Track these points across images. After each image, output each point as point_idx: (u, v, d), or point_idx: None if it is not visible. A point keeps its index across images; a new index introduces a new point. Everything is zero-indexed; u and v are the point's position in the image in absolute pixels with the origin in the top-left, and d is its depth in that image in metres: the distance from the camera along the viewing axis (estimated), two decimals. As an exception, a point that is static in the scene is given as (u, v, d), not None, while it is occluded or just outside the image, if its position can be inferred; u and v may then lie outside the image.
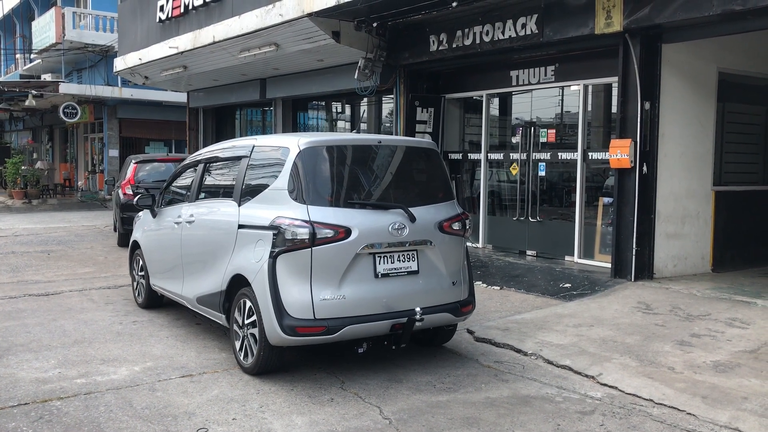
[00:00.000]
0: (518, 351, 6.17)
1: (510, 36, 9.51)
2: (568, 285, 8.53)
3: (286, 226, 5.12)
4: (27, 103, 23.78)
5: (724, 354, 5.85)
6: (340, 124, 15.17)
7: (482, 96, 11.22)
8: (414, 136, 11.64)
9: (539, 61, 10.07)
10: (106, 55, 24.02)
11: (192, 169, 7.10)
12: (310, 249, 5.09)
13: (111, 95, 24.32)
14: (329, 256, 5.14)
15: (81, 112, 24.93)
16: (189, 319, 7.34)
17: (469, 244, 11.42)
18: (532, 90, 10.55)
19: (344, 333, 5.15)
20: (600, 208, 9.61)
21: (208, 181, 6.74)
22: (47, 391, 5.15)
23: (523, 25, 9.34)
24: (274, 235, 5.19)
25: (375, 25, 10.88)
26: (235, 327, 5.68)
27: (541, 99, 10.53)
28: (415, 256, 5.51)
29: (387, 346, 5.61)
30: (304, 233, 5.08)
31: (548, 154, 10.21)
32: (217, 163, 6.63)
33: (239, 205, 5.81)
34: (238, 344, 5.66)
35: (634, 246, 8.35)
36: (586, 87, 9.63)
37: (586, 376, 5.51)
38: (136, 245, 8.09)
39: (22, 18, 32.57)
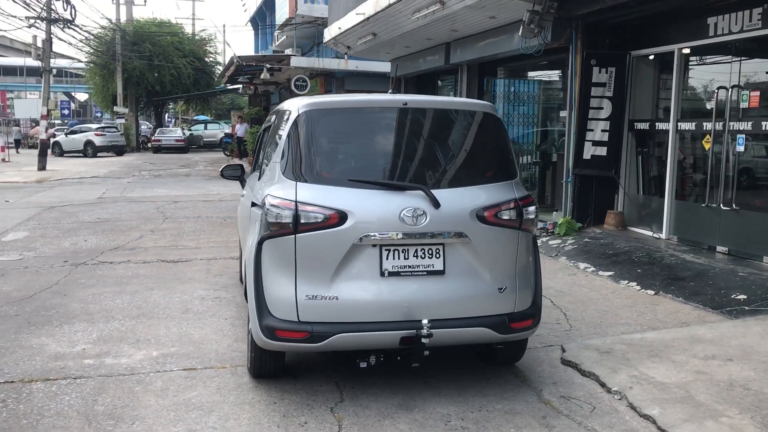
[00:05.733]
0: (602, 385, 4.61)
1: (692, -30, 7.40)
2: (742, 296, 6.44)
3: (270, 206, 4.21)
4: (262, 76, 25.34)
5: None
6: (524, 89, 13.56)
7: (673, 51, 9.04)
8: (589, 102, 9.88)
9: (742, 3, 7.74)
10: (335, 27, 24.60)
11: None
12: (293, 235, 4.14)
13: (338, 67, 24.89)
14: (317, 246, 4.13)
15: (311, 84, 25.94)
16: (266, 300, 6.79)
17: (650, 233, 9.44)
18: (733, 40, 8.19)
19: (333, 342, 4.12)
20: (815, 196, 7.17)
21: (261, 150, 6.05)
22: (47, 370, 4.90)
23: (711, -45, 7.19)
24: (262, 216, 4.33)
25: (538, -30, 9.30)
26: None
27: (746, 51, 8.15)
28: (441, 253, 4.25)
29: (404, 361, 4.45)
30: (287, 216, 4.13)
31: (749, 123, 7.87)
32: (267, 132, 5.90)
33: (258, 180, 5.03)
34: (249, 339, 4.93)
35: (842, 250, 6.01)
36: (803, 33, 7.18)
37: (669, 437, 3.87)
38: (238, 217, 7.75)
39: (281, -4, 34.86)
